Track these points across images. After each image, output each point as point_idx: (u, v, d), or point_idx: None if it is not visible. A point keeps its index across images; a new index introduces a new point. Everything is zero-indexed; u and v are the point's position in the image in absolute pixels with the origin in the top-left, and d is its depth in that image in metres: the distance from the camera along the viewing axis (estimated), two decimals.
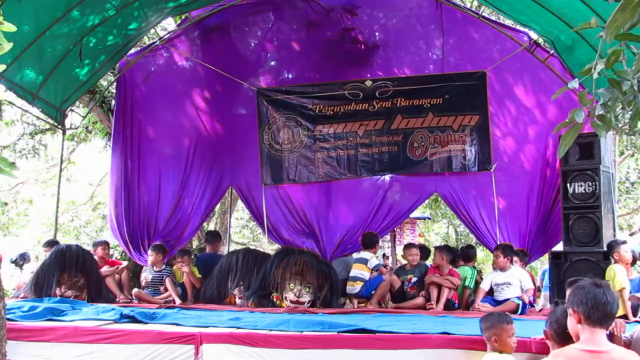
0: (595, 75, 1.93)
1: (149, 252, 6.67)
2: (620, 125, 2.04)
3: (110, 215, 7.33)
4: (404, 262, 6.83)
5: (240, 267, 6.21)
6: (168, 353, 3.77)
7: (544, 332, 3.17)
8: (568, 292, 3.44)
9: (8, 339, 3.64)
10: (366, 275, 6.19)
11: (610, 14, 1.78)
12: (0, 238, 15.29)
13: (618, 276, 4.83)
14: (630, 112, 1.95)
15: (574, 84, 2.15)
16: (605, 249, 5.41)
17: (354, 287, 6.16)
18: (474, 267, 6.84)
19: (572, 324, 2.52)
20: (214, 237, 7.69)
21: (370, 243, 6.54)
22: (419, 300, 5.98)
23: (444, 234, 18.84)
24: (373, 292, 6.09)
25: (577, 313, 2.45)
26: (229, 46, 7.75)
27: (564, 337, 2.78)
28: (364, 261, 6.25)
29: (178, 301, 6.16)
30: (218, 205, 10.49)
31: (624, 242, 5.25)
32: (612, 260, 5.16)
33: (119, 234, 7.22)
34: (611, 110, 1.94)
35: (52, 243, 6.67)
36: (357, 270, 6.24)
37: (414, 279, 6.20)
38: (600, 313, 2.37)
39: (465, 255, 6.76)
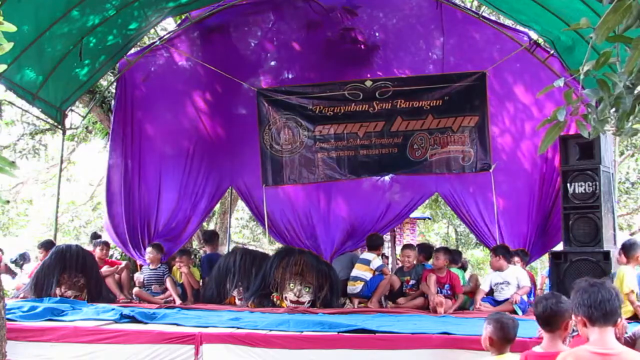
0: (582, 76, 1.93)
1: (148, 249, 6.69)
2: (606, 126, 2.04)
3: (107, 216, 7.32)
4: None
5: (238, 268, 6.20)
6: (168, 353, 3.78)
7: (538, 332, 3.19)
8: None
9: (8, 339, 3.64)
10: (368, 275, 6.17)
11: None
12: (0, 238, 15.30)
13: (627, 278, 4.79)
14: (617, 113, 1.95)
15: (560, 82, 2.16)
16: (604, 248, 5.40)
17: (355, 287, 6.15)
18: (462, 268, 6.93)
19: (581, 329, 2.53)
20: (212, 237, 7.69)
21: (374, 245, 6.53)
22: (419, 300, 5.96)
23: (444, 234, 18.85)
24: (374, 292, 6.08)
25: (580, 316, 2.45)
26: (229, 46, 7.75)
27: (550, 326, 2.80)
28: (367, 262, 6.24)
29: (178, 301, 6.16)
30: (218, 205, 10.49)
31: None
32: (625, 260, 5.10)
33: (115, 234, 7.21)
34: (594, 111, 1.95)
35: (47, 244, 6.66)
36: (358, 271, 6.23)
37: (412, 282, 6.17)
38: (599, 312, 2.37)
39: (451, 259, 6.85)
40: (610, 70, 2.04)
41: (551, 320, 2.75)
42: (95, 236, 7.84)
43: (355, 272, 6.25)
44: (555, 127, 2.05)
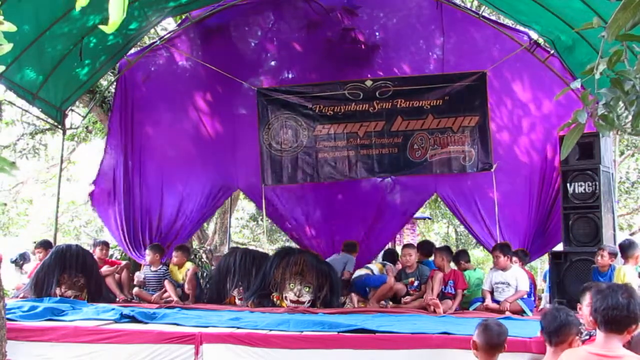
0: (597, 76, 1.92)
1: (147, 251, 6.67)
2: (622, 125, 2.03)
3: (112, 215, 7.34)
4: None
5: (238, 268, 6.19)
6: (168, 353, 3.78)
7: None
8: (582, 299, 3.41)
9: (8, 339, 3.64)
10: (375, 269, 6.26)
11: (611, 13, 1.78)
12: (0, 238, 15.31)
13: (628, 277, 4.79)
14: (633, 112, 1.95)
15: (577, 84, 2.15)
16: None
17: (360, 274, 6.20)
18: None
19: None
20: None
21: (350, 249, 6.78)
22: (420, 301, 5.94)
23: (444, 234, 18.83)
24: (373, 288, 6.06)
25: (591, 317, 2.44)
26: (229, 46, 7.75)
27: (557, 337, 2.78)
28: (370, 270, 6.32)
29: (176, 300, 6.13)
30: None
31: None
32: (622, 261, 5.12)
33: (118, 234, 7.23)
34: (613, 110, 1.94)
35: (45, 244, 6.66)
36: (365, 267, 6.39)
37: (416, 283, 6.15)
38: (605, 317, 2.35)
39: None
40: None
41: (559, 333, 2.71)
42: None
43: (361, 270, 6.35)
44: (576, 130, 2.04)
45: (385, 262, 6.77)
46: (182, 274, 6.52)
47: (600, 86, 2.02)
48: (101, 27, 1.60)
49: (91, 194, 7.47)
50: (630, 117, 1.98)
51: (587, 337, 3.12)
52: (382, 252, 7.77)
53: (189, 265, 6.61)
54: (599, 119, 2.00)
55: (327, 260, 6.91)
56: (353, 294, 6.13)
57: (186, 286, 6.37)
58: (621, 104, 1.95)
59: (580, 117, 1.99)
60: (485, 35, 7.21)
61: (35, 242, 8.49)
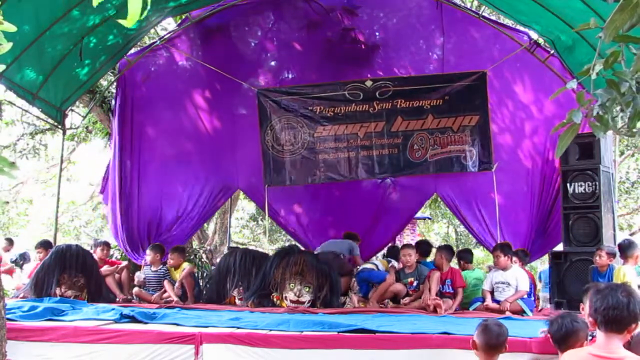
0: (593, 76, 1.92)
1: (148, 251, 6.66)
2: (618, 126, 2.03)
3: (110, 215, 7.35)
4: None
5: (238, 268, 6.18)
6: (168, 353, 3.77)
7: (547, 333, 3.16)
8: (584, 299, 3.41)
9: (8, 339, 3.64)
10: (381, 266, 6.29)
11: (610, 13, 1.78)
12: (1, 238, 15.30)
13: (628, 277, 4.79)
14: (628, 113, 1.95)
15: (572, 84, 2.15)
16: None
17: (366, 267, 6.22)
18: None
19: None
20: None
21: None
22: (419, 301, 5.93)
23: (444, 234, 18.84)
24: (376, 284, 6.06)
25: (591, 317, 2.43)
26: (229, 46, 7.74)
27: (564, 345, 2.77)
28: (375, 266, 6.33)
29: (176, 300, 6.13)
30: None
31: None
32: (621, 261, 5.13)
33: (117, 234, 7.24)
34: (609, 111, 1.94)
35: (45, 244, 6.66)
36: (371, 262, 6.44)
37: (415, 283, 6.15)
38: (605, 317, 2.33)
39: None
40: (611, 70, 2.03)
41: (566, 340, 2.69)
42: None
43: (366, 265, 6.40)
44: (570, 130, 2.04)
45: (389, 258, 6.77)
46: (179, 275, 6.51)
47: (597, 87, 2.02)
48: (120, 21, 1.62)
49: (102, 192, 7.51)
50: (626, 119, 1.98)
51: (590, 337, 3.12)
52: (386, 249, 7.79)
53: (185, 265, 6.60)
54: (594, 120, 2.00)
55: (327, 242, 6.96)
56: (353, 294, 6.14)
57: (176, 284, 6.32)
58: (617, 105, 1.95)
59: (575, 117, 1.99)
60: (485, 35, 7.21)
61: (6, 239, 8.56)
